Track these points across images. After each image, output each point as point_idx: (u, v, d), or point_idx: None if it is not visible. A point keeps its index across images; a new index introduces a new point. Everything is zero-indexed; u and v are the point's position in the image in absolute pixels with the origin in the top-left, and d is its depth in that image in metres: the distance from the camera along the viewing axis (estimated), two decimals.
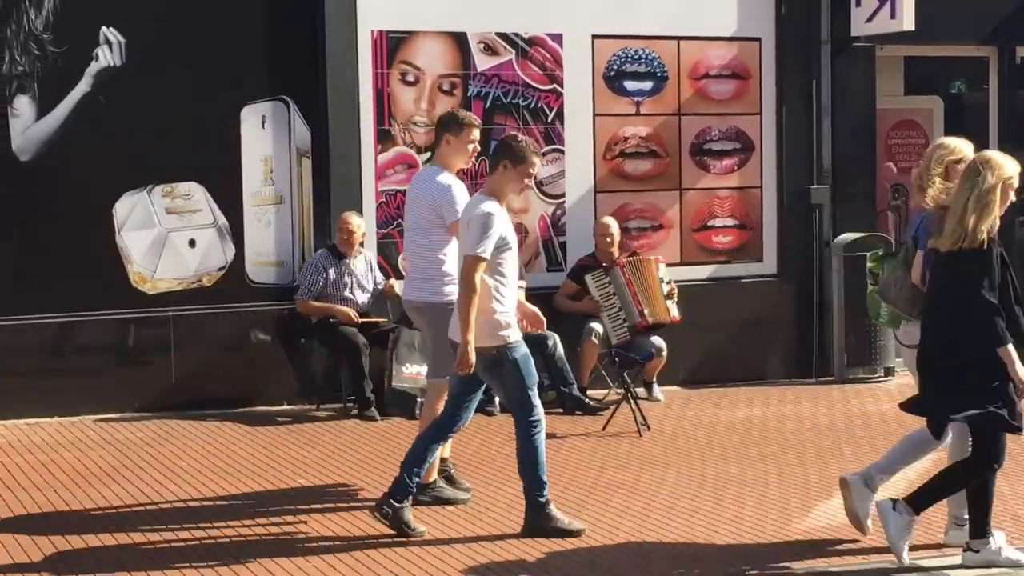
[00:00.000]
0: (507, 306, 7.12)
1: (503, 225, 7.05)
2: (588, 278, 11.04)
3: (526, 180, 7.29)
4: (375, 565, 6.72)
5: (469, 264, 6.94)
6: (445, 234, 7.56)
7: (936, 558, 6.87)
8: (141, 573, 6.57)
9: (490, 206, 7.03)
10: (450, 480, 8.00)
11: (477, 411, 10.43)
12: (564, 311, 11.12)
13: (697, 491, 8.17)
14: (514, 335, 7.14)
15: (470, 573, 6.62)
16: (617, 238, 11.11)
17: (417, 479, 7.20)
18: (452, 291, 7.44)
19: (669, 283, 11.14)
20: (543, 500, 7.17)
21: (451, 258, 7.55)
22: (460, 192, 7.54)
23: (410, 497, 7.21)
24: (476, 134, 7.69)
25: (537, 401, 7.17)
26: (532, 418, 7.13)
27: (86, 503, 7.85)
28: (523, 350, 7.15)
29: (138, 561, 6.75)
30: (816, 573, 6.66)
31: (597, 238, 11.21)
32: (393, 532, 7.11)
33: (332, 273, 10.54)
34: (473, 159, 7.91)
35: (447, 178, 7.61)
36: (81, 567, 6.65)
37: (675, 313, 11.10)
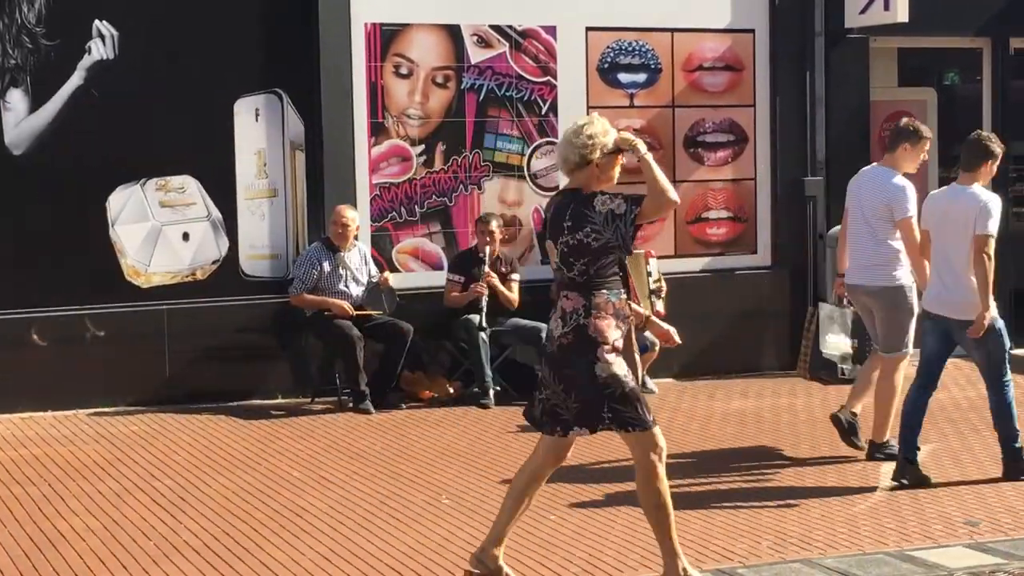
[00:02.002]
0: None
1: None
2: None
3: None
4: (367, 555, 6.73)
5: (981, 242, 7.95)
6: (894, 227, 8.63)
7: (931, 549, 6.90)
8: (136, 567, 6.58)
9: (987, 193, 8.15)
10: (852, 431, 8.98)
11: (472, 404, 10.52)
12: None
13: (692, 483, 8.18)
14: (994, 308, 8.08)
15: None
16: None
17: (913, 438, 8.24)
18: (901, 275, 8.68)
19: (657, 279, 11.12)
20: (1018, 447, 8.20)
21: (901, 247, 8.65)
22: (912, 192, 8.65)
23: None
24: (928, 146, 8.84)
25: (1008, 365, 8.21)
26: (1005, 378, 8.16)
27: (80, 497, 7.85)
28: (1001, 322, 8.15)
29: (130, 555, 6.75)
30: (812, 563, 6.67)
31: None
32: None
33: (326, 266, 10.53)
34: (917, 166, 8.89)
35: (900, 179, 8.67)
36: (74, 562, 6.65)
37: (659, 308, 11.07)
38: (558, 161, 6.24)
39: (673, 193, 6.04)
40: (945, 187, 8.55)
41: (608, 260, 5.98)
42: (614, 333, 5.97)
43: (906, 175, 8.75)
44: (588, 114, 6.33)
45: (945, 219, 8.19)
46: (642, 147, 6.10)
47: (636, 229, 5.98)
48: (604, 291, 5.99)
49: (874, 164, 9.13)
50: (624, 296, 6.06)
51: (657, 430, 6.06)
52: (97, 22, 10.32)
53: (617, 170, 6.15)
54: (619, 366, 5.97)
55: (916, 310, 8.74)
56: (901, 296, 8.69)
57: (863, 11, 11.97)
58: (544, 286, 11.16)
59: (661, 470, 6.03)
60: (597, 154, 6.05)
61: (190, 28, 10.52)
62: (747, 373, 11.93)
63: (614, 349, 5.96)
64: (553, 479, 8.21)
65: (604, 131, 6.09)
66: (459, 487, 8.09)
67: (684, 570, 6.10)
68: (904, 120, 8.89)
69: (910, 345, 8.77)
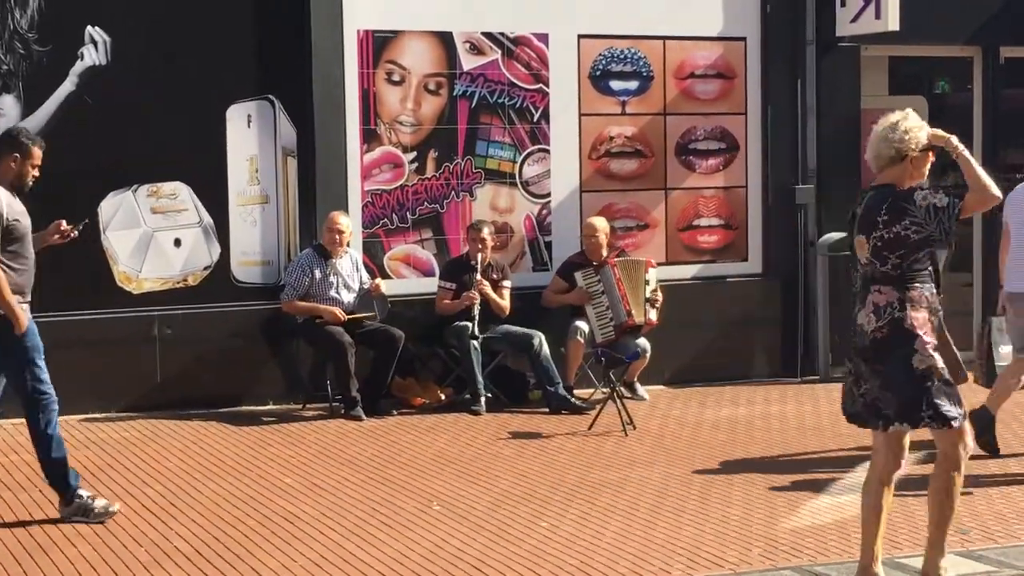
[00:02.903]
0: None
1: None
2: (578, 275, 11.02)
3: None
4: (357, 562, 6.73)
5: None
6: None
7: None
8: (127, 573, 6.57)
9: None
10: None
11: (463, 411, 10.53)
12: (554, 304, 11.14)
13: (683, 490, 8.19)
14: None
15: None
16: (605, 238, 11.10)
17: None
18: None
19: (654, 289, 11.12)
20: None
21: None
22: None
23: None
24: None
25: None
26: None
27: None
28: None
29: (121, 562, 6.75)
30: (803, 571, 6.69)
31: (585, 238, 11.21)
32: None
33: (318, 273, 10.53)
34: None
35: None
36: (65, 568, 6.65)
37: (651, 316, 11.09)
38: (869, 157, 6.19)
39: (995, 188, 6.03)
40: None
41: (922, 254, 6.00)
42: (928, 326, 5.99)
43: None
44: (902, 110, 6.22)
45: None
46: (958, 143, 6.10)
47: (957, 223, 6.02)
48: (918, 284, 6.01)
49: None
50: (935, 289, 6.06)
51: (967, 425, 6.12)
52: (89, 28, 10.31)
53: (928, 166, 6.15)
54: (937, 359, 5.98)
55: None
56: None
57: (854, 19, 12.00)
58: (535, 293, 11.20)
59: (964, 464, 6.13)
60: (912, 149, 6.07)
61: (182, 34, 10.52)
62: (738, 380, 11.95)
63: (929, 341, 5.97)
64: (545, 484, 8.23)
65: (919, 126, 6.12)
66: (450, 494, 8.08)
67: (943, 570, 6.20)
68: None
69: None
